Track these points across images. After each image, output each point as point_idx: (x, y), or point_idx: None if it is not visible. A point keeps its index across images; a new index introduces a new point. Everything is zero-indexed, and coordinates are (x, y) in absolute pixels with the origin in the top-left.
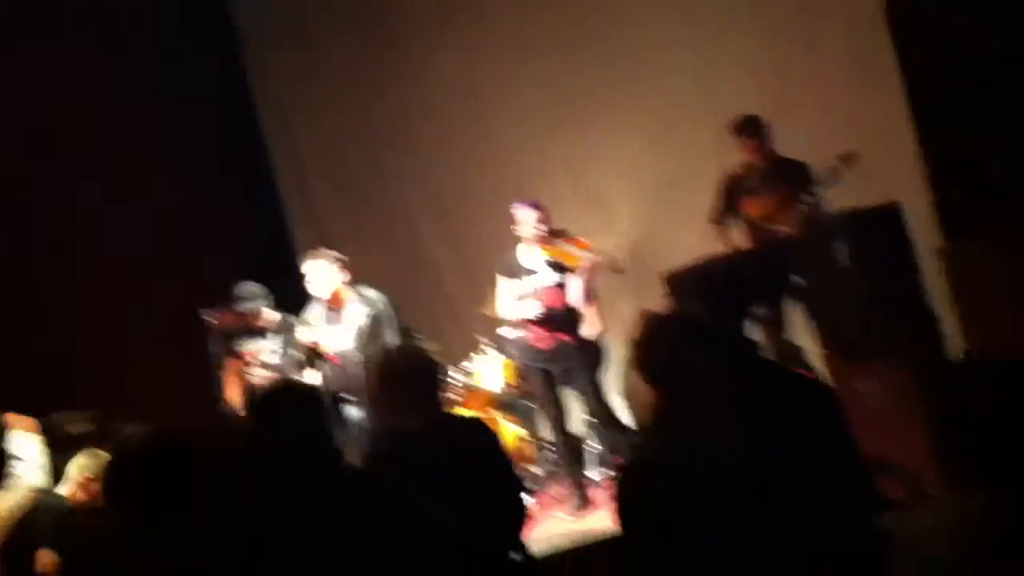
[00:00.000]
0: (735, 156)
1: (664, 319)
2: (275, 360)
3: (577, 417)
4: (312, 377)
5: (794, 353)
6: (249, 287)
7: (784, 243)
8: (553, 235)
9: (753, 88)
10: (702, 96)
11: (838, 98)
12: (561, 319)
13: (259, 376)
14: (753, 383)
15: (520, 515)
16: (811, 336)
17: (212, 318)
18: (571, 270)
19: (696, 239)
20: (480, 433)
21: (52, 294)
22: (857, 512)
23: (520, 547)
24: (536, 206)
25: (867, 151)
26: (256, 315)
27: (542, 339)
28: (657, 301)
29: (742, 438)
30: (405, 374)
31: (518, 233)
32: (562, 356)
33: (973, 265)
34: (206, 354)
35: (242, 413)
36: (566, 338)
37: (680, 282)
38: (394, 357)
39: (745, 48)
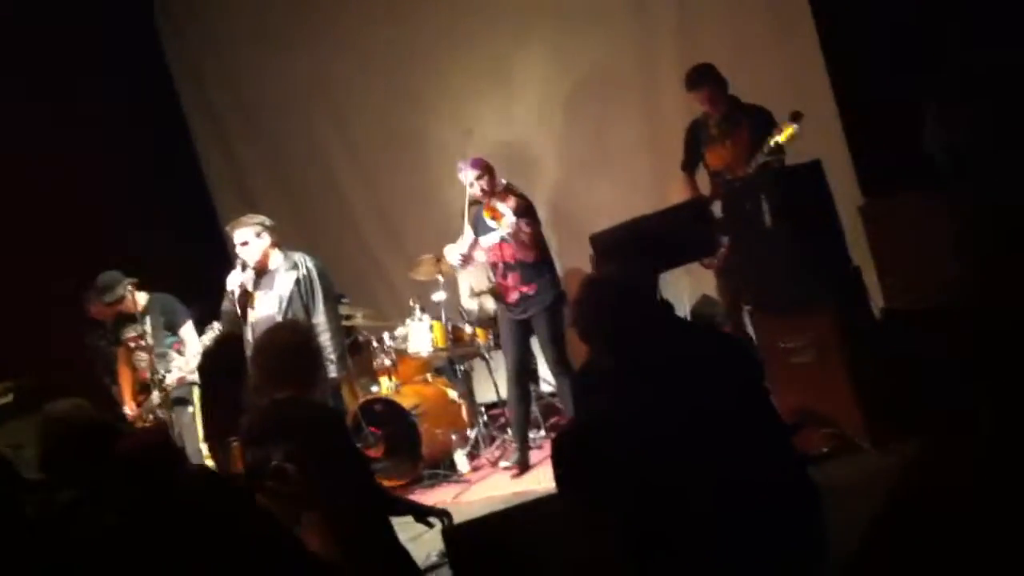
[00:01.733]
0: (663, 112)
1: (595, 281)
2: (150, 342)
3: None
4: (180, 363)
5: (718, 311)
6: (108, 276)
7: (708, 201)
8: (492, 193)
9: (682, 43)
10: (625, 53)
11: (757, 55)
12: (517, 272)
13: (144, 360)
14: (675, 343)
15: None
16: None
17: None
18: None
19: (627, 196)
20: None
21: None
22: (779, 466)
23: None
24: (475, 164)
25: (788, 106)
26: (121, 301)
27: (507, 292)
28: (587, 262)
29: (667, 398)
30: (272, 350)
31: (469, 191)
32: (525, 306)
33: (892, 221)
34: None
35: (129, 401)
36: (524, 289)
37: (606, 243)
38: (267, 334)
39: (663, 9)
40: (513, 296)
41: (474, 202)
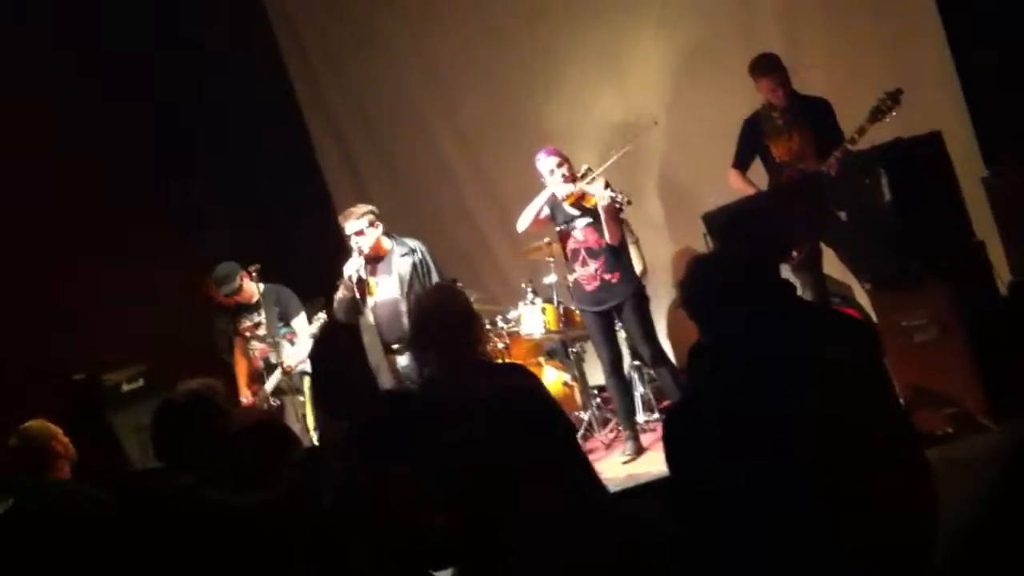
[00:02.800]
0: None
1: (709, 259)
2: (263, 332)
3: (627, 361)
4: (291, 353)
5: (837, 290)
6: (223, 267)
7: (821, 179)
8: (573, 179)
9: (783, 21)
10: (733, 35)
11: (875, 29)
12: (601, 259)
13: (257, 349)
14: (793, 322)
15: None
16: (854, 271)
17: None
18: (596, 209)
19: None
20: (525, 381)
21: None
22: (897, 446)
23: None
24: (554, 152)
25: (906, 81)
26: (238, 291)
27: (588, 280)
28: (698, 241)
29: (784, 377)
30: (439, 319)
31: (543, 182)
32: (608, 295)
33: (1017, 192)
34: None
35: (243, 389)
36: (608, 276)
37: (720, 222)
38: (427, 302)
39: None
40: (593, 285)
41: (554, 191)
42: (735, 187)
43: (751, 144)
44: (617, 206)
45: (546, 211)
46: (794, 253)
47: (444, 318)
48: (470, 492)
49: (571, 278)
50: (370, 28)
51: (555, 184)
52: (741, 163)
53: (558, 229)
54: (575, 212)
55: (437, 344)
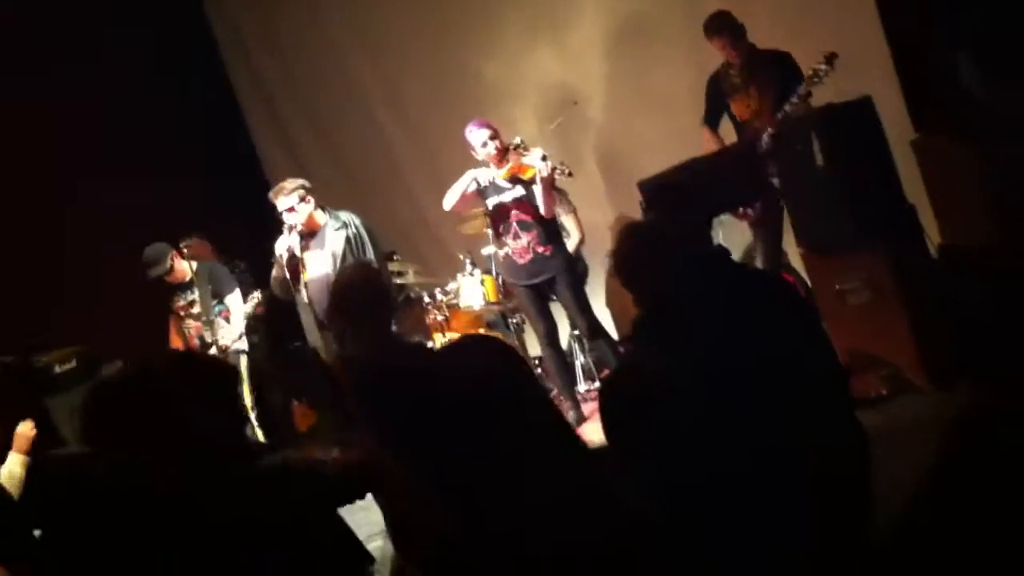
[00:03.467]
0: (708, 57)
1: (641, 227)
2: (197, 310)
3: (565, 331)
4: (226, 332)
5: (774, 254)
6: (152, 250)
7: (757, 143)
8: (505, 151)
9: None
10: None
11: None
12: (534, 232)
13: (192, 327)
14: (727, 287)
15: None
16: (791, 238)
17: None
18: (531, 181)
19: (675, 141)
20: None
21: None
22: (834, 409)
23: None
24: (485, 124)
25: (837, 46)
26: (169, 273)
27: (520, 253)
28: (633, 208)
29: (719, 343)
30: (357, 296)
31: (475, 155)
32: (541, 268)
33: (946, 156)
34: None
35: None
36: (541, 249)
37: (654, 189)
38: (344, 280)
39: None
40: (526, 258)
41: (484, 164)
42: (705, 144)
43: (715, 102)
44: (558, 176)
45: (473, 186)
46: (748, 211)
47: (366, 293)
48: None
49: (501, 252)
50: (306, 1)
51: (488, 157)
52: (709, 120)
53: (487, 202)
54: (506, 185)
55: (355, 319)
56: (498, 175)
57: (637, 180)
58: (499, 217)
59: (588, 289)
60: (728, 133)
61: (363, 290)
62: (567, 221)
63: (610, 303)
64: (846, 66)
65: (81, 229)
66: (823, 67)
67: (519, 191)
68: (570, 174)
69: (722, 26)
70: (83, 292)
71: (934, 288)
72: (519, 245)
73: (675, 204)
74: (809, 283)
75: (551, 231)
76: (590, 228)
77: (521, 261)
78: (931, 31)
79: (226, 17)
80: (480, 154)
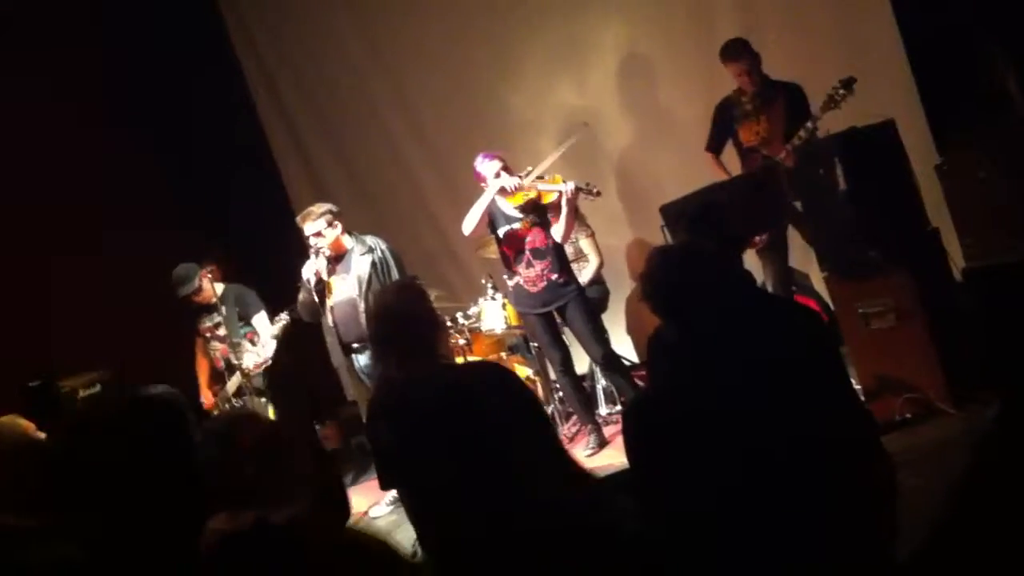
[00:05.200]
0: (726, 86)
1: (674, 250)
2: (223, 332)
3: (584, 355)
4: (251, 354)
5: (796, 278)
6: (182, 268)
7: (780, 168)
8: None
9: (741, 14)
10: (693, 24)
11: (827, 18)
12: (548, 259)
13: (218, 350)
14: (757, 312)
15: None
16: (813, 260)
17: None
18: (547, 208)
19: (692, 167)
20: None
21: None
22: (854, 435)
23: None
24: (496, 156)
25: (859, 70)
26: (197, 292)
27: (532, 281)
28: (655, 233)
29: (741, 368)
30: (399, 317)
31: (484, 187)
32: (554, 296)
33: (969, 179)
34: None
35: (204, 390)
36: (555, 277)
37: (677, 213)
38: (391, 299)
39: None
40: (539, 286)
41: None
42: (710, 171)
43: (721, 128)
44: (583, 197)
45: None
46: (758, 238)
47: (410, 317)
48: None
49: (511, 282)
50: (326, 26)
51: (505, 185)
52: (714, 147)
53: (499, 231)
54: (517, 213)
55: (400, 342)
56: (509, 203)
57: (657, 205)
58: (511, 245)
59: (607, 314)
60: (729, 160)
61: (408, 313)
62: (586, 245)
63: (631, 327)
64: (869, 89)
65: (108, 252)
66: (840, 91)
67: (533, 218)
68: (598, 193)
69: (741, 52)
70: (110, 314)
71: (957, 310)
72: (532, 273)
73: (707, 227)
74: (832, 307)
75: (563, 259)
76: (608, 253)
77: (534, 289)
78: (953, 52)
79: (250, 46)
80: (492, 185)
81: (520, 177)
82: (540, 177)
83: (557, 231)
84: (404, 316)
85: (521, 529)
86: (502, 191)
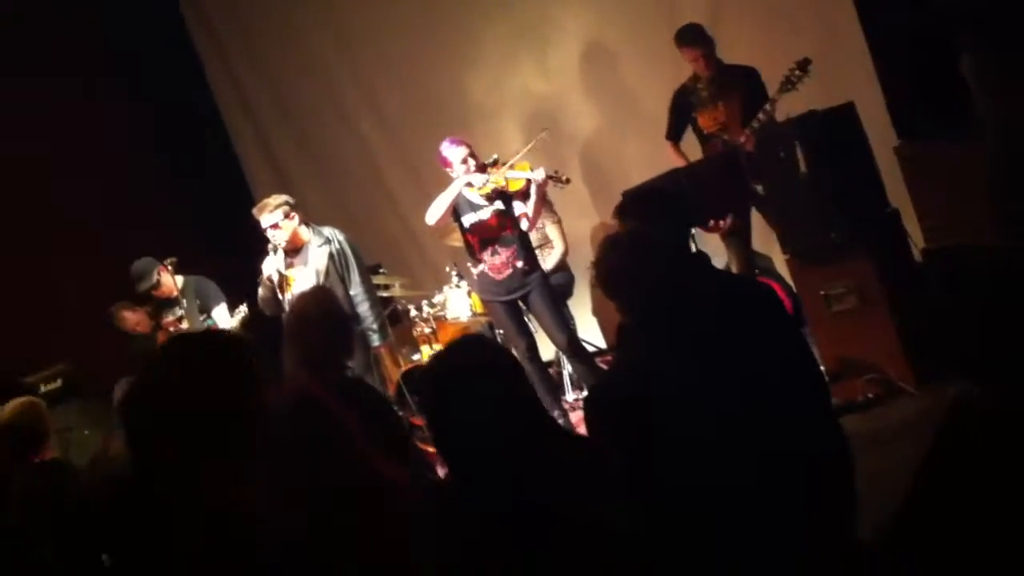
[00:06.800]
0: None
1: (621, 237)
2: (185, 325)
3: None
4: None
5: (759, 261)
6: (140, 264)
7: (739, 152)
8: (483, 168)
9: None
10: (656, 8)
11: (788, 2)
12: (513, 247)
13: None
14: (711, 293)
15: None
16: (776, 243)
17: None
18: (514, 196)
19: (658, 152)
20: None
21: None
22: (814, 416)
23: None
24: (461, 142)
25: (819, 53)
26: (157, 287)
27: (497, 269)
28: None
29: (705, 349)
30: (308, 326)
31: (450, 173)
32: (519, 284)
33: (928, 161)
34: None
35: None
36: (520, 264)
37: (638, 199)
38: (296, 310)
39: None
40: (504, 273)
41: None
42: (670, 159)
43: (680, 115)
44: (557, 185)
45: (447, 201)
46: (721, 223)
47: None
48: None
49: (476, 270)
50: (286, 15)
51: (470, 173)
52: (672, 134)
53: (463, 220)
54: (482, 201)
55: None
56: (475, 192)
57: (621, 190)
58: (476, 234)
59: (573, 299)
60: (689, 147)
61: (320, 320)
62: (552, 231)
63: (597, 312)
64: (829, 72)
65: (69, 247)
66: (796, 72)
67: (499, 205)
68: (568, 180)
69: (696, 37)
70: (73, 310)
71: (918, 291)
72: (497, 261)
73: (651, 213)
74: (795, 289)
75: (528, 247)
76: (574, 239)
77: (499, 277)
78: (913, 36)
79: (209, 35)
80: (458, 171)
81: (488, 171)
82: (498, 166)
83: (524, 219)
84: (316, 320)
85: None
86: (470, 185)
